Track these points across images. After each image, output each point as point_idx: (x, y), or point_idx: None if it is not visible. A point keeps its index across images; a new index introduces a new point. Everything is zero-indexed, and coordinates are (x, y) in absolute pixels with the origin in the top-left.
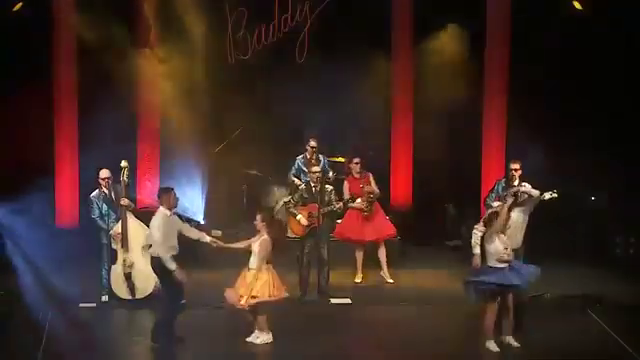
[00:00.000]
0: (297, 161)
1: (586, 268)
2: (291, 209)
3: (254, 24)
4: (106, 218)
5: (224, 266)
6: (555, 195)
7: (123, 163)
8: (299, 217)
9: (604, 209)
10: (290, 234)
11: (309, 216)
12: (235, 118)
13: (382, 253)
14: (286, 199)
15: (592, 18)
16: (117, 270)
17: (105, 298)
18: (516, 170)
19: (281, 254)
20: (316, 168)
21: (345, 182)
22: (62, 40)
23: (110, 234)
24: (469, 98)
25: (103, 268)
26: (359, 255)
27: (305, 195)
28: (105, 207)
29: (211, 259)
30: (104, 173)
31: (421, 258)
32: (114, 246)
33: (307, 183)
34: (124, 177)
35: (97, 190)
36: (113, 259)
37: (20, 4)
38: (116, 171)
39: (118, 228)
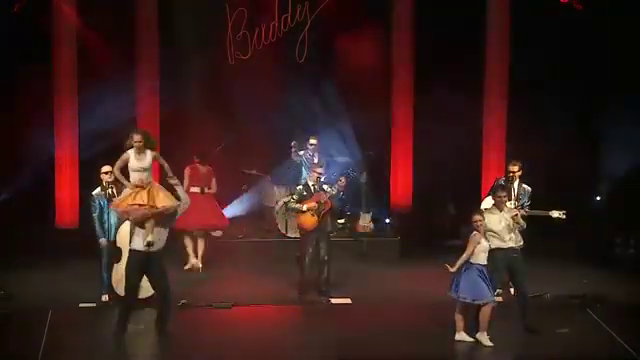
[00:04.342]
0: (302, 156)
1: (586, 268)
2: (294, 205)
3: (254, 24)
4: (107, 215)
5: (222, 267)
6: (563, 217)
7: None
8: (305, 207)
9: (604, 209)
10: (295, 234)
11: (319, 206)
12: (235, 117)
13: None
14: (286, 199)
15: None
16: (121, 269)
17: (105, 298)
18: (514, 172)
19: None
20: (318, 169)
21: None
22: (62, 39)
23: (112, 236)
24: (469, 98)
25: (103, 268)
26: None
27: (304, 193)
28: (106, 204)
29: (210, 260)
30: (105, 169)
31: (421, 258)
32: (119, 244)
33: (305, 183)
34: None
35: (99, 187)
36: (117, 258)
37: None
38: None
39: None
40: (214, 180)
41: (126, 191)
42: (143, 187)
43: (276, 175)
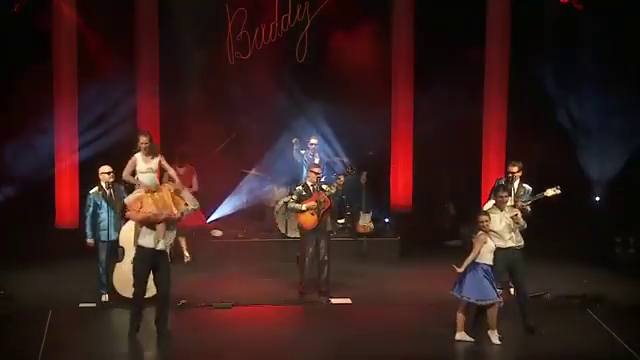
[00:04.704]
0: (303, 155)
1: (586, 268)
2: (293, 205)
3: (254, 24)
4: (106, 213)
5: (222, 267)
6: (559, 192)
7: None
8: (304, 206)
9: (604, 209)
10: (295, 234)
11: (318, 205)
12: (235, 118)
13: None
14: (286, 199)
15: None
16: (125, 269)
17: (105, 298)
18: (514, 173)
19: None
20: (316, 169)
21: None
22: (62, 39)
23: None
24: (469, 98)
25: (100, 267)
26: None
27: (304, 193)
28: (104, 204)
29: (210, 260)
30: (105, 168)
31: (421, 258)
32: (121, 243)
33: (304, 183)
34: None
35: (96, 187)
36: (120, 257)
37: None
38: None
39: (128, 223)
40: (195, 179)
41: (136, 194)
42: (153, 190)
43: (276, 175)
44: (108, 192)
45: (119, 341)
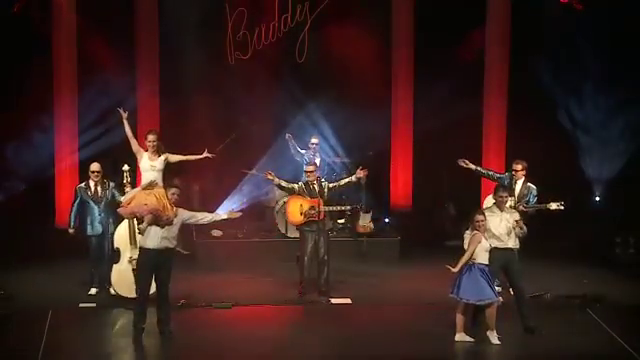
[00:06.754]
0: (304, 155)
1: (586, 268)
2: (290, 185)
3: (254, 24)
4: (89, 209)
5: (222, 267)
6: (562, 207)
7: (125, 167)
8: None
9: (604, 209)
10: (295, 234)
11: (310, 208)
12: (235, 118)
13: None
14: (286, 198)
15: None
16: (122, 269)
17: (93, 291)
18: (517, 171)
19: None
20: (311, 167)
21: None
22: (62, 39)
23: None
24: (469, 98)
25: (90, 262)
26: None
27: (304, 189)
28: (91, 202)
29: (210, 260)
30: (94, 166)
31: (421, 258)
32: (117, 245)
33: (305, 182)
34: (128, 179)
35: (84, 183)
36: (116, 257)
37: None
38: (113, 172)
39: (123, 224)
40: None
41: (132, 192)
42: (148, 188)
43: (276, 175)
44: (94, 189)
45: (119, 341)
